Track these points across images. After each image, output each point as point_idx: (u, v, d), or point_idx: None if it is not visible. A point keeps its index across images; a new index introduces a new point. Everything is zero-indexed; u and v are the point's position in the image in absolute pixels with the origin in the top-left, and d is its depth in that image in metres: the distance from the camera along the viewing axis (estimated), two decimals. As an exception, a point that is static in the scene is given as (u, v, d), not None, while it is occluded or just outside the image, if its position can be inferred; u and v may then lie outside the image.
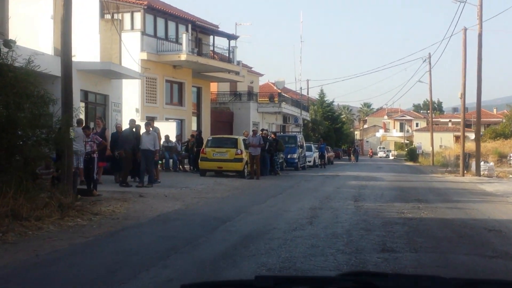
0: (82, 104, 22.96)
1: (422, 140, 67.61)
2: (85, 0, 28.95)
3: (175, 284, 5.66)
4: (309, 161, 36.30)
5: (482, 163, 31.14)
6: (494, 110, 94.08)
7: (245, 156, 22.85)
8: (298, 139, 33.04)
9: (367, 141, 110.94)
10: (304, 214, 11.61)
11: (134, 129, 18.29)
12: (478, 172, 29.97)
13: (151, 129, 17.68)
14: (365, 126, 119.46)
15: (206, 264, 6.94)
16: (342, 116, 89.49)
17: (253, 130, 25.38)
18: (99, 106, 24.57)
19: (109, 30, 26.27)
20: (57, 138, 11.07)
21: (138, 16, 30.46)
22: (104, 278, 6.18)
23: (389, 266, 7.02)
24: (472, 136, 59.08)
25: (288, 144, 31.10)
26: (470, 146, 39.28)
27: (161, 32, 31.64)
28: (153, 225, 9.92)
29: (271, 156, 25.42)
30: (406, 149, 78.11)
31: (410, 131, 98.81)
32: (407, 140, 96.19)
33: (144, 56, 29.97)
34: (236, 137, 24.96)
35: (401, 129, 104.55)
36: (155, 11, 31.22)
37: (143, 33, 30.25)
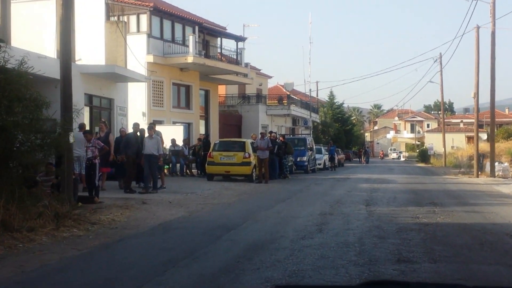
0: (87, 108, 22.49)
1: (433, 141, 66.90)
2: (91, 3, 28.63)
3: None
4: (319, 164, 35.73)
5: (496, 163, 30.40)
6: (506, 110, 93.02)
7: (253, 160, 22.28)
8: (307, 142, 32.46)
9: (378, 143, 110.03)
10: (314, 221, 11.01)
11: (138, 133, 17.74)
12: (492, 173, 29.25)
13: (153, 133, 17.05)
14: (376, 127, 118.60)
15: (205, 279, 6.36)
16: (352, 118, 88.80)
17: (261, 133, 24.78)
18: (104, 110, 24.05)
19: (114, 33, 25.74)
20: (54, 143, 10.51)
21: (144, 18, 29.97)
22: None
23: (406, 279, 6.41)
24: (484, 136, 58.32)
25: (298, 146, 30.56)
26: (483, 146, 38.55)
27: (167, 35, 31.14)
28: (152, 235, 9.35)
29: (280, 159, 24.83)
30: (417, 151, 77.30)
31: (421, 132, 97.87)
32: (418, 141, 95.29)
33: (151, 58, 29.49)
34: (244, 140, 24.40)
35: (412, 130, 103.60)
36: (162, 13, 30.74)
37: (149, 35, 29.77)
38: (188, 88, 33.24)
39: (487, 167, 30.96)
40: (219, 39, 37.07)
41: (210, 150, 22.81)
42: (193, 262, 7.16)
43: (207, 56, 33.52)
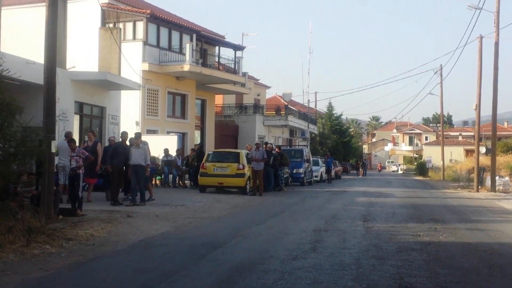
0: (77, 117, 21.79)
1: (431, 154, 66.30)
2: (87, 10, 28.02)
3: None
4: (316, 176, 35.03)
5: (497, 177, 29.69)
6: (505, 124, 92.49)
7: (247, 171, 21.54)
8: (304, 153, 31.72)
9: (376, 155, 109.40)
10: (307, 238, 10.27)
11: (127, 143, 16.95)
12: (493, 188, 28.56)
13: (140, 142, 16.19)
14: (374, 140, 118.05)
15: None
16: (350, 130, 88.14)
17: (256, 144, 24.05)
18: (95, 118, 23.33)
19: (109, 39, 25.03)
20: (30, 152, 9.77)
21: (140, 25, 29.33)
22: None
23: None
24: (483, 150, 57.63)
25: (294, 158, 29.85)
26: (482, 160, 37.88)
27: (164, 42, 30.48)
28: (130, 253, 8.58)
29: (275, 171, 24.11)
30: (415, 163, 76.63)
31: (419, 145, 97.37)
32: (416, 154, 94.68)
33: (146, 66, 28.83)
34: (238, 151, 23.66)
35: (410, 143, 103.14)
36: (159, 20, 30.10)
37: (145, 43, 29.12)
38: (184, 97, 32.55)
39: (487, 181, 30.26)
40: (217, 47, 36.45)
41: (203, 161, 22.05)
42: (169, 287, 6.41)
43: (204, 64, 32.85)
